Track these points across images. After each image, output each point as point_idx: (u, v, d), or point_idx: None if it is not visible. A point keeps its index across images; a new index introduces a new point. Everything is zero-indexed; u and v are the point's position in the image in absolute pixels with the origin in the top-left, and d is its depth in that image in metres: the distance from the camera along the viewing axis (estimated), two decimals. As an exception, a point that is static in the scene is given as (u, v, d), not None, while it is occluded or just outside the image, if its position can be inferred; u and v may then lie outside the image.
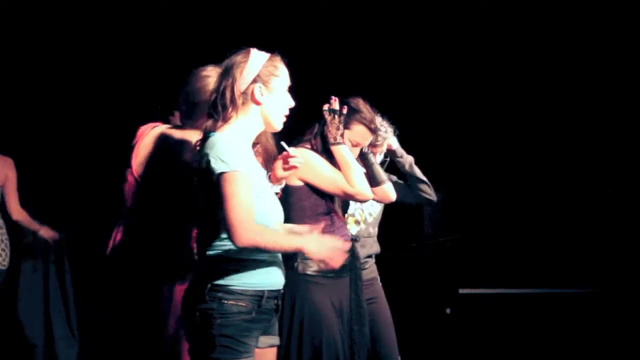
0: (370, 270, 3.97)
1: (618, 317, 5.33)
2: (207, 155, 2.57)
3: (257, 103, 2.68)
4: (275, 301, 2.67)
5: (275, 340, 2.72)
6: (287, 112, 2.76)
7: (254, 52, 2.71)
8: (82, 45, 5.12)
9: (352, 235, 3.89)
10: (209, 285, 2.55)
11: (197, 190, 2.64)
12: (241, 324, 2.55)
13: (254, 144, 2.80)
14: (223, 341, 2.52)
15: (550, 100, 5.48)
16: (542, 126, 5.49)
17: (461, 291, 4.87)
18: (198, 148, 2.67)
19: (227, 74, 2.67)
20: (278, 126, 2.77)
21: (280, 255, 2.69)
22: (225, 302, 2.54)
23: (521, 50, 5.38)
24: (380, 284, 4.01)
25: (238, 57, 2.69)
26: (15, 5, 4.90)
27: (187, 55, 5.07)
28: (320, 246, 2.60)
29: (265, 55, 2.71)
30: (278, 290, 2.67)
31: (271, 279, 2.64)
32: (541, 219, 5.46)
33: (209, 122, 2.66)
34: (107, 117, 5.21)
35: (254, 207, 2.55)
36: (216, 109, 2.65)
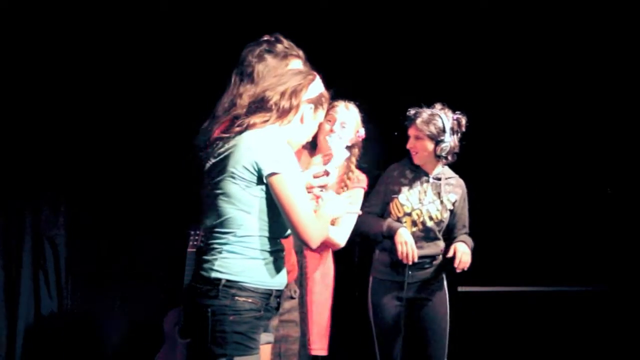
0: (430, 272, 3.98)
1: (617, 315, 5.34)
2: (249, 150, 2.59)
3: (302, 120, 2.74)
4: (278, 300, 2.72)
5: (270, 337, 2.77)
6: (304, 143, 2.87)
7: (317, 78, 2.79)
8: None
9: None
10: (223, 282, 2.58)
11: (216, 181, 2.65)
12: (252, 321, 2.59)
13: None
14: (236, 338, 2.56)
15: (549, 99, 5.48)
16: (541, 123, 5.49)
17: (460, 289, 4.88)
18: (224, 140, 2.67)
19: (295, 79, 2.72)
20: (295, 149, 2.81)
21: (284, 255, 2.73)
22: (238, 299, 2.57)
23: (521, 50, 5.39)
24: (444, 288, 4.04)
25: (305, 72, 2.76)
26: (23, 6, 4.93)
27: (185, 56, 5.13)
28: (337, 206, 2.77)
29: (321, 86, 2.79)
30: (282, 290, 2.73)
31: (279, 278, 2.69)
32: (540, 217, 5.47)
33: (255, 119, 2.66)
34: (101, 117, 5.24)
35: (311, 205, 2.65)
36: (278, 107, 2.68)
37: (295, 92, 2.69)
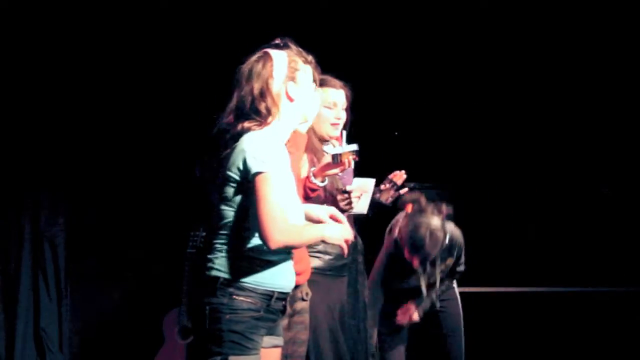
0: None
1: (617, 315, 5.35)
2: (242, 152, 2.58)
3: (291, 100, 2.70)
4: (284, 303, 2.69)
5: (279, 340, 2.74)
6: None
7: (274, 52, 2.72)
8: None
9: None
10: (221, 280, 2.58)
11: (218, 184, 2.65)
12: (250, 321, 2.57)
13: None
14: (232, 337, 2.55)
15: (548, 100, 5.49)
16: (541, 124, 5.50)
17: (459, 289, 4.88)
18: (226, 144, 2.67)
19: (257, 77, 2.67)
20: (312, 118, 2.84)
21: (292, 257, 2.72)
22: (236, 297, 2.56)
23: (521, 50, 5.39)
24: (456, 294, 4.07)
25: (261, 61, 2.69)
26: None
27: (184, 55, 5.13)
28: (338, 231, 2.66)
29: (283, 53, 2.72)
30: (288, 293, 2.69)
31: (283, 280, 2.66)
32: (539, 217, 5.48)
33: (248, 124, 2.64)
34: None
35: (286, 208, 2.57)
36: (259, 113, 2.65)
37: (262, 93, 2.66)
